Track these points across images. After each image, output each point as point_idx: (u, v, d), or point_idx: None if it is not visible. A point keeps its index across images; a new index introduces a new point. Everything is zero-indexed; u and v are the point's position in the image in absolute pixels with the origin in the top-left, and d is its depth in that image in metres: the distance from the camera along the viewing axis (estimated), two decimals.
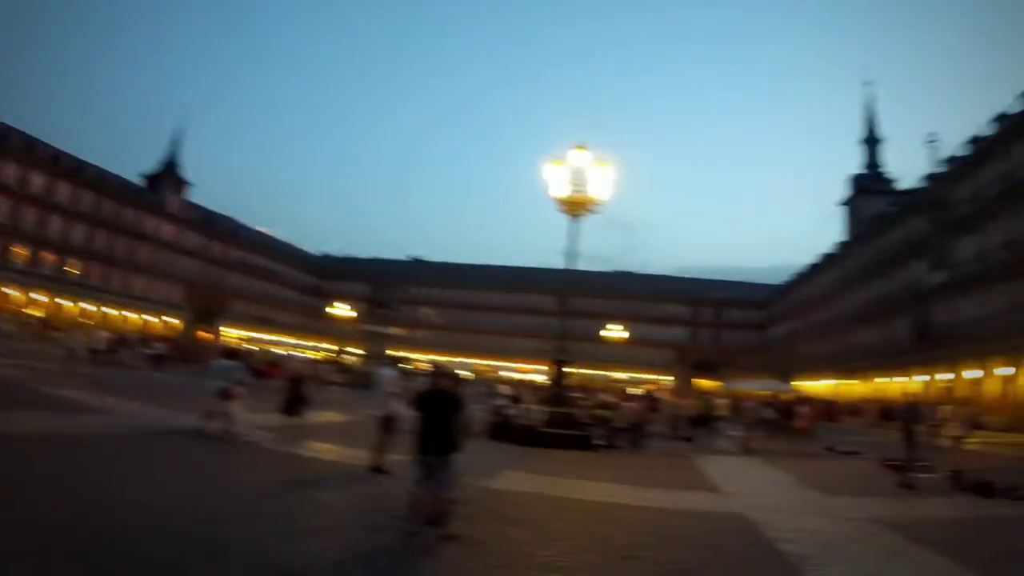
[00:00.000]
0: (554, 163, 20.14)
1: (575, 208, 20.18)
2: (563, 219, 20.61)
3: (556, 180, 20.07)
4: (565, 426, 19.14)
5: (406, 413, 8.78)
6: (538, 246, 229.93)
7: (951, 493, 14.00)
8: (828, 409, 30.31)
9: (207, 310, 73.86)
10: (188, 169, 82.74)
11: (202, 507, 7.86)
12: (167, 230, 78.68)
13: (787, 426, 26.01)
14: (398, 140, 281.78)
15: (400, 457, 9.38)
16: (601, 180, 20.16)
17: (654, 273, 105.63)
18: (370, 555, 6.65)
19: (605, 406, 23.80)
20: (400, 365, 27.78)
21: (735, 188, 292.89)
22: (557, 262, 25.72)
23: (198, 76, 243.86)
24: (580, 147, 20.33)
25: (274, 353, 57.93)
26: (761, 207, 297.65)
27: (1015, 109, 40.67)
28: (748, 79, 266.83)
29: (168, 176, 79.77)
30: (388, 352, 49.81)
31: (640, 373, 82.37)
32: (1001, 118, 42.37)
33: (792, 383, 58.21)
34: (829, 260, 75.33)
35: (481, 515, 8.47)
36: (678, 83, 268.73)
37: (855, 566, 7.65)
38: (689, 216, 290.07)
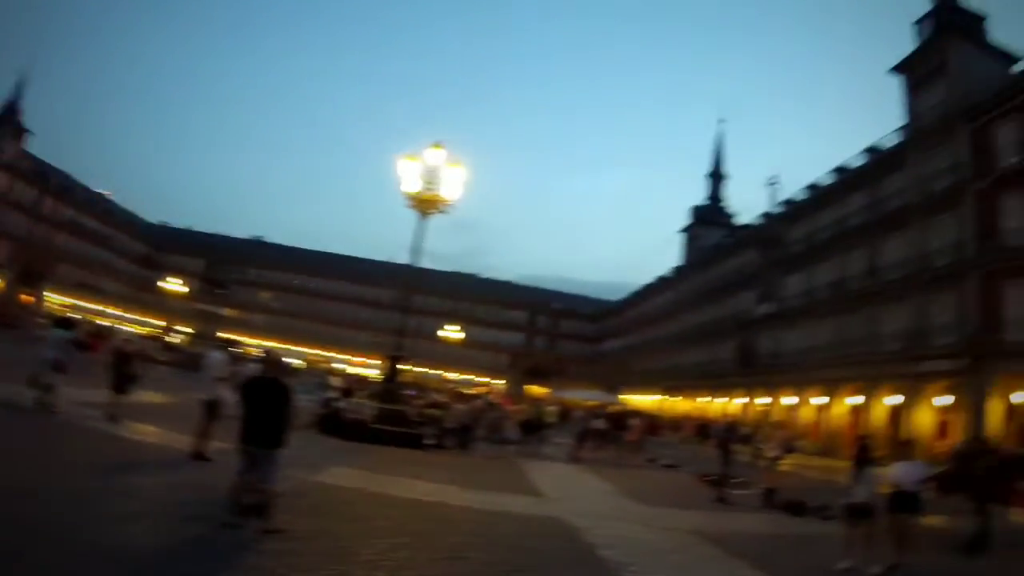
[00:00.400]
0: (408, 159, 19.72)
1: (425, 206, 19.84)
2: (412, 215, 20.18)
3: (409, 176, 19.65)
4: (395, 423, 18.88)
5: (232, 399, 8.53)
6: (384, 240, 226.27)
7: (764, 510, 14.61)
8: (652, 423, 31.17)
9: (32, 271, 66.38)
10: (31, 117, 74.66)
11: (14, 487, 7.23)
12: None
13: (617, 437, 26.28)
14: (260, 119, 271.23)
15: (224, 445, 8.91)
16: (453, 180, 19.97)
17: (496, 278, 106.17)
18: (188, 544, 6.35)
19: (437, 405, 23.78)
20: (230, 349, 26.18)
21: (584, 204, 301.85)
22: (401, 257, 24.93)
23: (56, 19, 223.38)
24: (436, 145, 20.07)
25: (99, 324, 53.22)
26: (607, 226, 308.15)
27: (854, 164, 43.58)
28: (611, 99, 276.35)
29: (6, 120, 71.59)
30: (219, 334, 47.10)
31: (474, 375, 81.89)
32: (840, 170, 45.25)
33: (620, 396, 59.90)
34: (664, 283, 77.88)
35: (305, 509, 8.28)
36: (538, 95, 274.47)
37: (673, 574, 7.87)
38: (535, 226, 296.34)
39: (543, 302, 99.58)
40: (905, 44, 42.72)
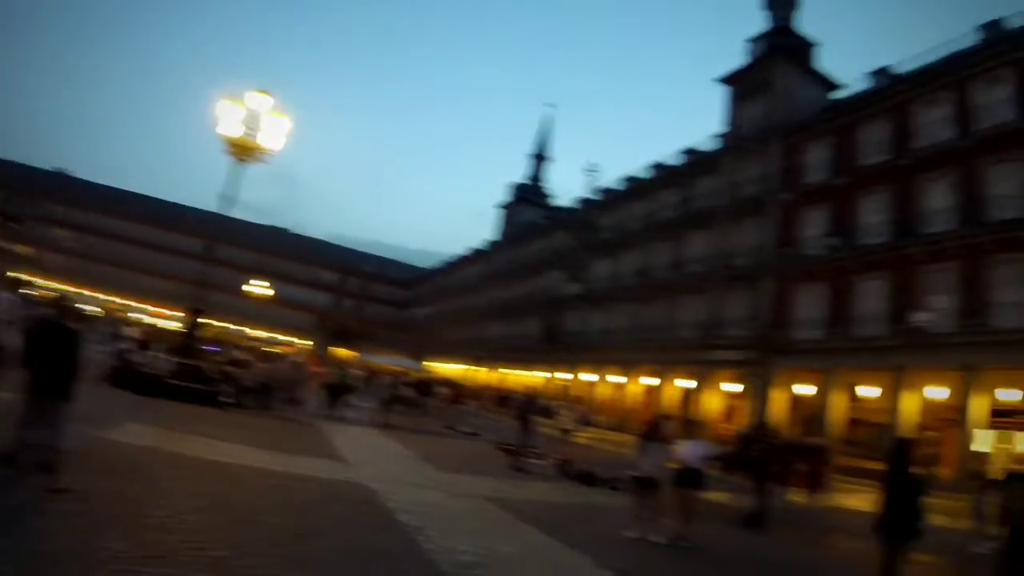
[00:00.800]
0: (229, 100, 17.80)
1: (243, 152, 18.04)
2: (227, 162, 18.32)
3: (228, 119, 17.76)
4: (193, 379, 17.63)
5: (18, 345, 7.50)
6: (195, 185, 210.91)
7: (558, 479, 14.90)
8: (457, 392, 31.53)
9: None
10: None
11: None
12: None
13: (423, 404, 26.07)
14: (70, 44, 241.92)
15: (5, 395, 7.82)
16: (275, 130, 18.31)
17: (309, 235, 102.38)
18: None
19: (237, 363, 22.60)
20: (21, 290, 23.09)
21: (408, 172, 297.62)
22: (211, 205, 22.91)
23: None
24: (261, 91, 18.28)
25: None
26: (428, 195, 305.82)
27: (670, 162, 45.84)
28: (447, 72, 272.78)
29: None
30: (10, 273, 41.31)
31: (280, 334, 78.58)
32: (657, 166, 47.48)
33: (426, 363, 59.76)
34: (478, 255, 78.51)
35: (93, 468, 7.66)
36: (369, 58, 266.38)
37: (467, 539, 7.72)
38: (356, 187, 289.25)
39: (355, 264, 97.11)
40: (737, 58, 45.30)
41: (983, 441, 24.74)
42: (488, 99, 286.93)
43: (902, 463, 7.80)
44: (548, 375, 52.57)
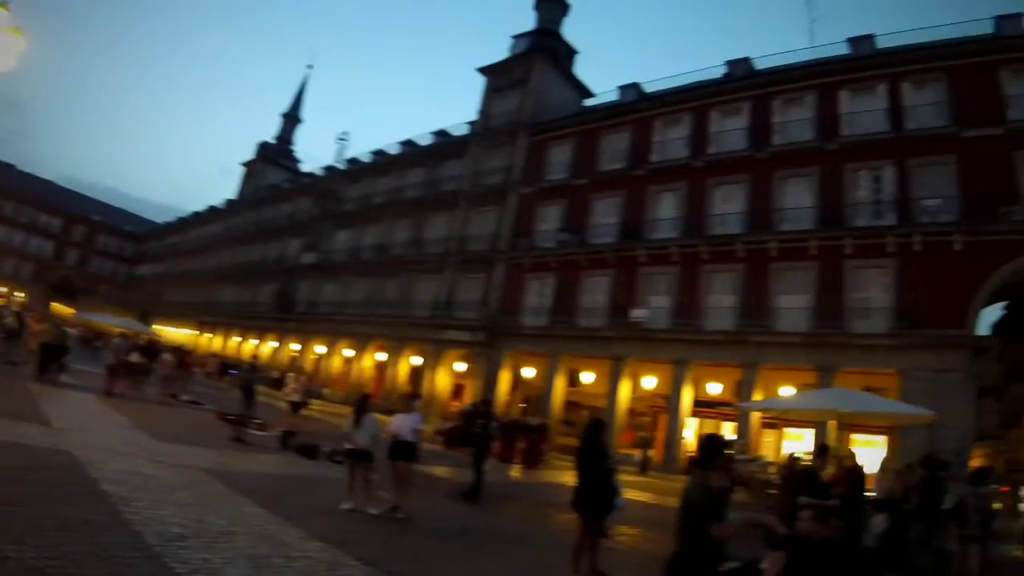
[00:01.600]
0: None
1: None
2: None
3: None
4: None
5: None
6: None
7: (280, 451, 14.58)
8: (183, 358, 28.30)
9: None
10: None
11: None
12: None
13: (148, 370, 23.33)
14: None
15: None
16: (5, 47, 14.93)
17: (33, 173, 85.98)
18: None
19: None
20: None
21: (161, 119, 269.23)
22: None
23: None
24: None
25: None
26: (180, 145, 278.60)
27: (421, 142, 44.42)
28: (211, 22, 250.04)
29: None
30: None
31: None
32: (408, 143, 45.78)
33: (152, 325, 53.62)
34: (214, 214, 71.37)
35: None
36: None
37: (177, 510, 7.33)
38: (98, 126, 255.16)
39: (83, 211, 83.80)
40: (502, 50, 45.24)
41: (690, 428, 27.03)
42: (254, 54, 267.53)
43: (595, 442, 7.86)
44: (279, 344, 48.89)
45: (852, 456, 12.75)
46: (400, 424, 9.84)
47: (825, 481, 8.03)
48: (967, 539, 9.95)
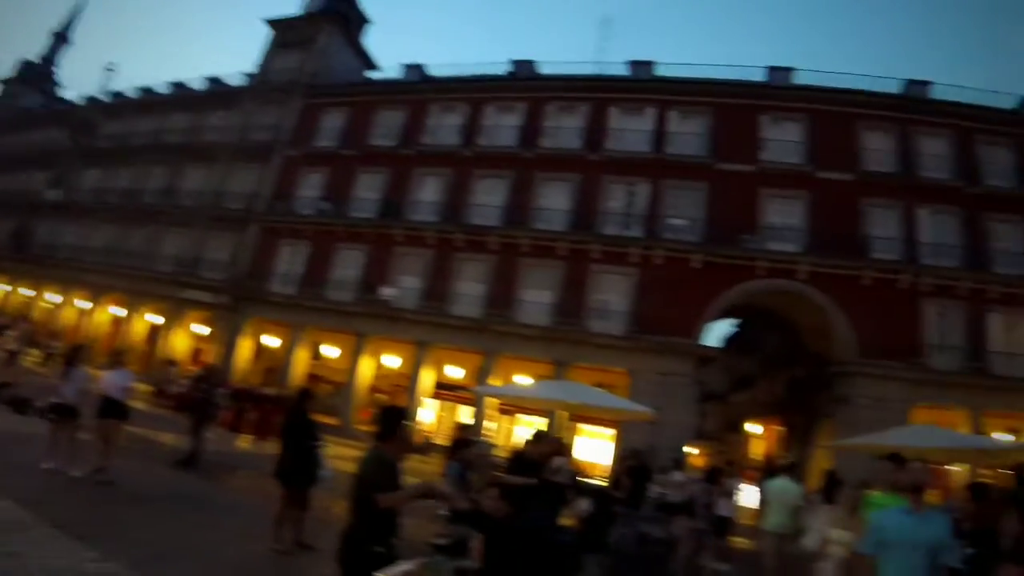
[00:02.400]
0: None
1: None
2: None
3: None
4: None
5: None
6: None
7: None
8: None
9: None
10: None
11: None
12: None
13: None
14: None
15: None
16: None
17: None
18: None
19: None
20: None
21: None
22: None
23: None
24: None
25: None
26: None
27: (193, 85, 40.19)
28: None
29: None
30: None
31: None
32: (178, 85, 40.98)
33: None
34: None
35: None
36: None
37: None
38: None
39: None
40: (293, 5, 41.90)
41: (429, 408, 27.35)
42: None
43: (302, 413, 7.79)
44: (10, 289, 42.22)
45: (560, 440, 12.77)
46: (109, 381, 9.22)
47: (537, 462, 7.52)
48: (697, 531, 10.58)
